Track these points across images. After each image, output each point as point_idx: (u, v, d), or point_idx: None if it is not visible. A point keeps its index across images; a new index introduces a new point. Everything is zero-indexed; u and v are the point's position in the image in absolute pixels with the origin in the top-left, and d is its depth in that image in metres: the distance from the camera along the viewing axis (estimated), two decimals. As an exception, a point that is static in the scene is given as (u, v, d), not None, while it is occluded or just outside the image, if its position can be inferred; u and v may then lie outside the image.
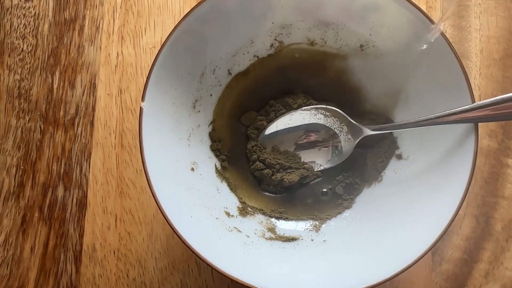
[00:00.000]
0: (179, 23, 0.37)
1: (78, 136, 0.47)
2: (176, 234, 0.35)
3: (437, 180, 0.39)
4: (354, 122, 0.43)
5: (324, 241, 0.41)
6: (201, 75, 0.42)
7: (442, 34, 0.38)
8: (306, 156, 0.45)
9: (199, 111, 0.43)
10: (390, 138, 0.44)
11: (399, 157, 0.43)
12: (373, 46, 0.42)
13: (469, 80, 0.38)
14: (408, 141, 0.42)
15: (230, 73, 0.44)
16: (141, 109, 0.37)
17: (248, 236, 0.40)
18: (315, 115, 0.44)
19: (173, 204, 0.37)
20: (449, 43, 0.38)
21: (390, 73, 0.43)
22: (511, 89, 0.47)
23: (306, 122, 0.44)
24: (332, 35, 0.43)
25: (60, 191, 0.46)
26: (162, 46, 0.37)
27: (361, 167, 0.44)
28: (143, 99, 0.37)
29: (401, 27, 0.40)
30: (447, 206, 0.37)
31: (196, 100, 0.43)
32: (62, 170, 0.46)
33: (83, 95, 0.48)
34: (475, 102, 0.37)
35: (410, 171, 0.42)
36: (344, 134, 0.43)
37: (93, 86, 0.48)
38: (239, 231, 0.40)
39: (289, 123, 0.44)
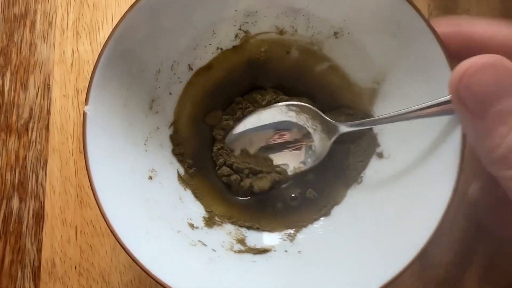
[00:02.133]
0: (125, 14, 0.33)
1: (32, 142, 0.43)
2: (128, 253, 0.32)
3: (422, 179, 0.35)
4: (328, 119, 0.39)
5: (299, 252, 0.37)
6: (157, 72, 0.38)
7: (424, 18, 0.34)
8: (278, 159, 0.41)
9: (157, 111, 0.39)
10: (369, 135, 0.40)
11: (380, 155, 0.39)
12: (348, 33, 0.38)
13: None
14: (389, 137, 0.39)
15: (191, 68, 0.40)
16: (84, 113, 0.33)
17: (214, 250, 0.37)
18: (286, 112, 0.40)
19: (126, 220, 0.33)
20: (432, 28, 0.34)
21: (367, 63, 0.39)
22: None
23: (277, 120, 0.40)
24: (303, 23, 0.39)
25: (15, 202, 0.42)
26: (106, 42, 0.33)
27: (338, 168, 0.40)
28: (86, 102, 0.33)
29: (378, 11, 0.36)
30: (434, 208, 0.33)
31: (153, 100, 0.39)
32: (16, 179, 0.43)
33: (36, 97, 0.44)
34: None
35: (393, 170, 0.38)
36: (319, 132, 0.39)
37: (47, 87, 0.44)
38: (204, 244, 0.37)
39: (258, 122, 0.40)
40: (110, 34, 0.33)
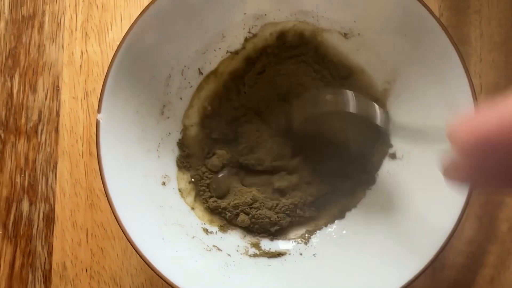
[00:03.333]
0: (136, 20, 0.33)
1: (42, 144, 0.43)
2: (145, 262, 0.32)
3: (436, 181, 0.35)
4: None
5: (314, 255, 0.37)
6: (167, 77, 0.38)
7: (436, 18, 0.34)
8: None
9: (168, 117, 0.39)
10: (382, 135, 0.39)
11: (393, 156, 0.39)
12: (359, 34, 0.38)
13: (467, 69, 0.34)
14: (402, 138, 0.38)
15: (201, 73, 0.40)
16: (97, 122, 0.32)
17: (229, 255, 0.36)
18: None
19: (141, 227, 0.33)
20: (443, 27, 0.34)
21: (377, 63, 0.38)
22: (515, 75, 0.43)
23: None
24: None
25: (25, 205, 0.42)
26: (117, 49, 0.33)
27: (354, 170, 0.40)
28: (99, 110, 0.33)
29: (389, 11, 0.36)
30: (448, 210, 0.33)
31: (164, 105, 0.38)
32: (26, 182, 0.42)
33: (45, 100, 0.43)
34: (474, 94, 0.33)
35: (406, 172, 0.38)
36: None
37: (56, 89, 0.43)
38: (219, 249, 0.37)
39: None
40: (120, 42, 0.33)
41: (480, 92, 0.42)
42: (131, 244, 0.32)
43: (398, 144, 0.39)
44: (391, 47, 0.37)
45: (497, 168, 0.21)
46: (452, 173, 0.23)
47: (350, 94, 0.37)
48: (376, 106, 0.37)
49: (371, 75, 0.39)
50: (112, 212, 0.32)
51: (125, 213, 0.32)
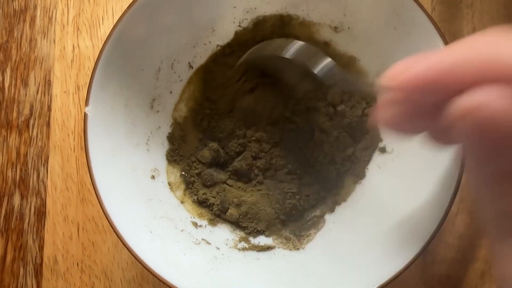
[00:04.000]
0: (124, 13, 0.33)
1: (33, 139, 0.43)
2: (133, 255, 0.32)
3: (426, 175, 0.35)
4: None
5: (303, 248, 0.37)
6: (157, 71, 0.38)
7: (425, 10, 0.34)
8: None
9: (158, 111, 0.39)
10: (373, 129, 0.39)
11: (383, 150, 0.39)
12: (348, 27, 0.38)
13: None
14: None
15: (191, 67, 0.40)
16: (85, 115, 0.32)
17: (218, 248, 0.36)
18: None
19: (130, 221, 0.33)
20: (432, 20, 0.34)
21: (368, 56, 0.38)
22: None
23: None
24: (302, 18, 0.39)
25: (17, 199, 0.42)
26: (105, 42, 0.33)
27: (344, 164, 0.40)
28: (87, 103, 0.32)
29: (379, 4, 0.36)
30: (437, 204, 0.33)
31: (153, 99, 0.38)
32: (17, 176, 0.43)
33: (37, 94, 0.43)
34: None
35: (396, 166, 0.38)
36: None
37: (48, 83, 0.43)
38: (208, 243, 0.37)
39: None
40: (108, 34, 0.33)
41: (472, 86, 0.42)
42: (119, 238, 0.32)
43: (388, 138, 0.39)
44: (381, 40, 0.37)
45: (426, 108, 0.21)
46: (382, 112, 0.23)
47: (299, 44, 0.36)
48: (325, 59, 0.36)
49: (361, 68, 0.39)
50: (100, 206, 0.32)
51: (114, 207, 0.32)
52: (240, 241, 0.38)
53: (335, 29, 0.39)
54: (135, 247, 0.32)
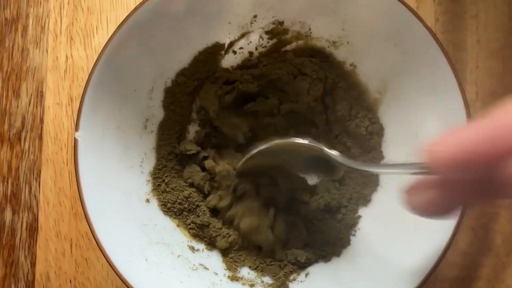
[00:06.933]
0: (114, 33, 0.31)
1: (25, 152, 0.42)
2: (127, 285, 0.31)
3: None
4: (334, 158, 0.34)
5: (306, 274, 0.36)
6: (150, 90, 0.37)
7: (426, 26, 0.33)
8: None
9: (152, 131, 0.38)
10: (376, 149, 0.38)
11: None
12: (348, 42, 0.37)
13: (460, 80, 0.33)
14: (394, 149, 0.37)
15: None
16: (75, 140, 0.31)
17: (216, 274, 0.35)
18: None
19: (123, 249, 0.32)
20: (434, 36, 0.32)
21: (367, 72, 0.37)
22: (512, 83, 0.41)
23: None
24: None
25: (8, 214, 0.41)
26: (95, 63, 0.32)
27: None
28: (77, 128, 0.31)
29: (378, 20, 0.35)
30: (442, 226, 0.32)
31: (147, 119, 0.37)
32: (9, 191, 0.41)
33: (29, 105, 0.42)
34: (467, 104, 0.32)
35: (389, 199, 0.37)
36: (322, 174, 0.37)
37: (40, 95, 0.42)
38: (205, 268, 0.36)
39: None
40: (99, 55, 0.32)
41: (476, 99, 0.41)
42: (113, 269, 0.31)
43: (389, 155, 0.38)
44: (381, 56, 0.36)
45: (472, 184, 0.20)
46: (415, 197, 0.22)
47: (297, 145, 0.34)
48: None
49: (361, 84, 0.38)
50: (93, 235, 0.31)
51: (106, 235, 0.31)
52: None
53: (334, 43, 0.37)
54: (129, 277, 0.31)
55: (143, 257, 0.33)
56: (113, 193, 0.34)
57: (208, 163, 0.38)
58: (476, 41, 0.42)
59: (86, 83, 0.32)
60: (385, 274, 0.33)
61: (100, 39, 0.43)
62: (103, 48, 0.32)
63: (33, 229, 0.41)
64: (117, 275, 0.31)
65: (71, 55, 0.43)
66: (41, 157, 0.42)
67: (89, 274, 0.40)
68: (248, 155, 0.36)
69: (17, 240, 0.41)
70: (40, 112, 0.42)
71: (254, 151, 0.35)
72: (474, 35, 0.42)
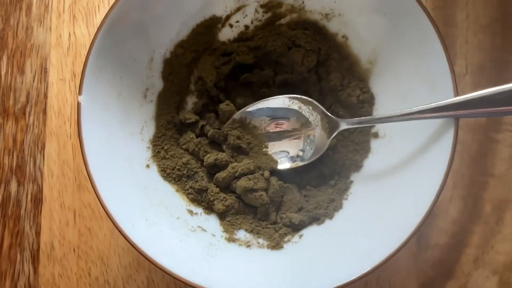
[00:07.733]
0: (114, 3, 0.33)
1: (30, 126, 0.43)
2: (129, 242, 0.32)
3: (417, 159, 0.35)
4: (330, 114, 0.39)
5: (300, 236, 0.38)
6: (150, 61, 0.38)
7: (418, 1, 0.34)
8: (277, 147, 0.40)
9: (151, 100, 0.39)
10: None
11: (376, 135, 0.39)
12: (339, 14, 0.38)
13: (446, 47, 0.34)
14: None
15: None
16: (78, 104, 0.33)
17: (214, 235, 0.37)
18: (289, 103, 0.39)
19: (125, 209, 0.33)
20: (422, 5, 0.34)
21: (359, 43, 0.39)
22: (500, 57, 0.43)
23: (279, 107, 0.39)
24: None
25: (13, 186, 0.43)
26: (97, 31, 0.33)
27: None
28: (80, 92, 0.33)
29: None
30: (428, 187, 0.33)
31: (147, 89, 0.39)
32: (14, 163, 0.43)
33: (33, 81, 0.44)
34: (453, 71, 0.34)
35: (388, 151, 0.38)
36: (319, 128, 0.39)
37: (44, 71, 0.44)
38: (203, 230, 0.37)
39: (259, 108, 0.40)
40: (100, 23, 0.34)
41: (466, 73, 0.43)
42: (115, 226, 0.32)
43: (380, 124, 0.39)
44: (371, 27, 0.38)
45: None
46: None
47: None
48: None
49: (353, 55, 0.39)
50: (96, 194, 0.32)
51: (109, 195, 0.33)
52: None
53: (326, 16, 0.39)
54: (131, 234, 0.32)
55: (143, 217, 0.35)
56: (115, 156, 0.35)
57: (208, 128, 0.40)
58: (466, 17, 0.43)
59: (88, 50, 0.33)
60: (377, 230, 0.34)
61: (102, 17, 0.43)
62: (104, 16, 0.33)
63: (37, 200, 0.42)
64: (119, 231, 0.32)
65: (74, 32, 0.44)
66: (45, 130, 0.43)
67: (92, 243, 0.42)
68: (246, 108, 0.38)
69: (22, 211, 0.42)
70: (44, 87, 0.44)
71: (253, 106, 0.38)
72: (463, 11, 0.43)
